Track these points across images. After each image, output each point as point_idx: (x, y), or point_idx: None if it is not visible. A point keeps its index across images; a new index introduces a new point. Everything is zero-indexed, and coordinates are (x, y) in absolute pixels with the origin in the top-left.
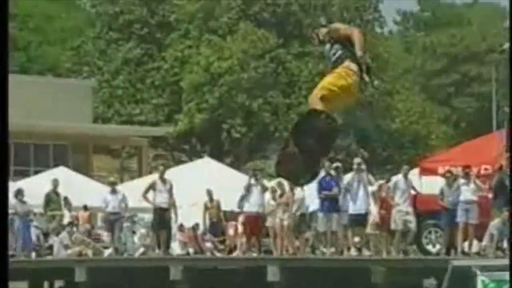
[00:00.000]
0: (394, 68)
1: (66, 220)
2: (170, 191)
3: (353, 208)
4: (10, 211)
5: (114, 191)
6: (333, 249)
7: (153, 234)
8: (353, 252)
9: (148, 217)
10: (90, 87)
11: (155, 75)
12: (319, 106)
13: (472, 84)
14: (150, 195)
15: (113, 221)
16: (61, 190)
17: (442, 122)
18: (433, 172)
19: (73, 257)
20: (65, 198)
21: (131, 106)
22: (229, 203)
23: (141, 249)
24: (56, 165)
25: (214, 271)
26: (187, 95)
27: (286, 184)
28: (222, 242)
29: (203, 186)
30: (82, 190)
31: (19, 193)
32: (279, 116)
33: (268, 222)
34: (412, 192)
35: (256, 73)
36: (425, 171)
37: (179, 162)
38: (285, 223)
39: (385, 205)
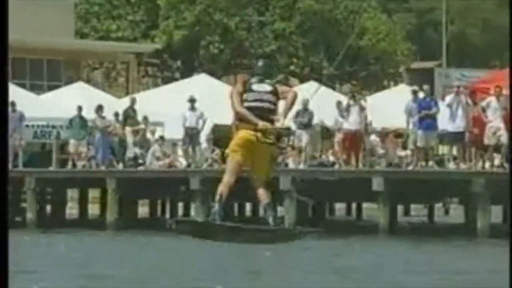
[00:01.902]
0: None
1: (157, 135)
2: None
3: (451, 126)
4: (90, 124)
5: (192, 108)
6: (431, 163)
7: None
8: (452, 165)
9: None
10: (72, 3)
11: None
12: None
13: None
14: None
15: (191, 136)
16: (86, 104)
17: (406, 39)
18: (485, 92)
19: (164, 168)
20: (145, 117)
21: (108, 22)
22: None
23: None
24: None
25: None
26: (165, 12)
27: None
28: None
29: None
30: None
31: (99, 109)
32: (253, 33)
33: None
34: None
35: None
36: (476, 92)
37: (164, 78)
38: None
39: (479, 123)
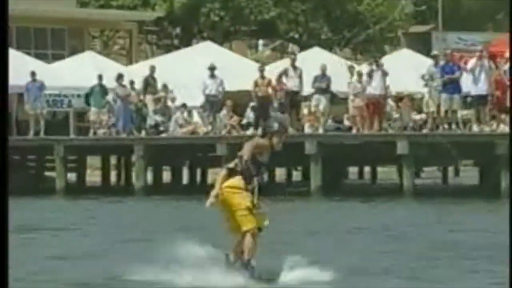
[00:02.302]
0: None
1: (177, 102)
2: (300, 77)
3: (475, 89)
4: (111, 94)
5: (213, 76)
6: (454, 126)
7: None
8: (475, 128)
9: None
10: None
11: None
12: None
13: None
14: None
15: (212, 103)
16: (95, 72)
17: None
18: (501, 55)
19: (187, 135)
20: (164, 85)
21: None
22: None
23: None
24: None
25: (344, 145)
26: None
27: None
28: None
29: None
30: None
31: (119, 77)
32: (253, 0)
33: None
34: None
35: None
36: (493, 55)
37: (163, 46)
38: None
39: (501, 86)
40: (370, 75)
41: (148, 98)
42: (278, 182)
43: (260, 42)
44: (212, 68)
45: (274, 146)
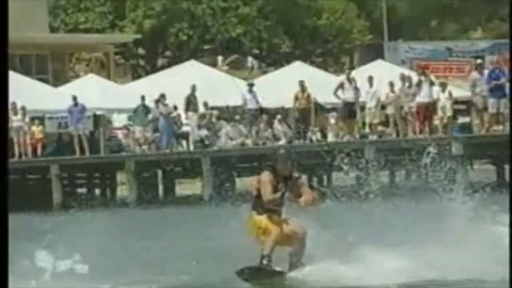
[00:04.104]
0: None
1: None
2: (355, 89)
3: None
4: (154, 113)
5: (251, 91)
6: (501, 127)
7: (343, 123)
8: None
9: None
10: None
11: None
12: None
13: None
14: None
15: (252, 117)
16: (99, 93)
17: (359, 17)
18: None
19: (238, 147)
20: (205, 103)
21: (76, 15)
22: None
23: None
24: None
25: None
26: (131, 2)
27: None
28: None
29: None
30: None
31: (161, 97)
32: (219, 19)
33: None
34: None
35: None
36: None
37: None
38: None
39: None
40: (418, 84)
41: (190, 115)
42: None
43: (219, 58)
44: (250, 85)
45: (279, 170)
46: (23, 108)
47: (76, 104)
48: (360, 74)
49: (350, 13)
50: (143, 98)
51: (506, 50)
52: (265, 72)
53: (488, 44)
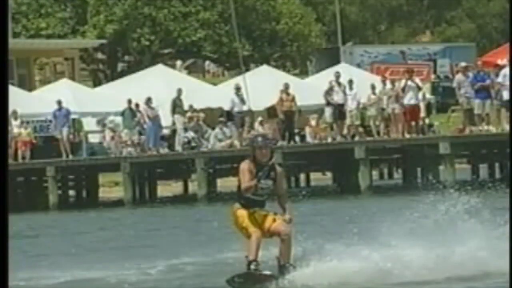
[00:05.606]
0: None
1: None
2: (344, 91)
3: (506, 95)
4: (139, 115)
5: (238, 94)
6: (490, 127)
7: (334, 124)
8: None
9: None
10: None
11: None
12: None
13: None
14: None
15: (239, 119)
16: (72, 97)
17: (318, 22)
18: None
19: (226, 148)
20: (191, 106)
21: (38, 21)
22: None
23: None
24: None
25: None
26: (93, 8)
27: None
28: None
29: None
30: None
31: (148, 100)
32: (180, 23)
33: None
34: None
35: None
36: (486, 64)
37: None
38: None
39: None
40: (403, 89)
41: (177, 118)
42: None
43: (178, 62)
44: (238, 88)
45: (258, 159)
46: (14, 112)
47: (60, 108)
48: (326, 77)
49: (309, 18)
50: (129, 101)
51: (457, 54)
52: (223, 75)
53: (440, 48)
